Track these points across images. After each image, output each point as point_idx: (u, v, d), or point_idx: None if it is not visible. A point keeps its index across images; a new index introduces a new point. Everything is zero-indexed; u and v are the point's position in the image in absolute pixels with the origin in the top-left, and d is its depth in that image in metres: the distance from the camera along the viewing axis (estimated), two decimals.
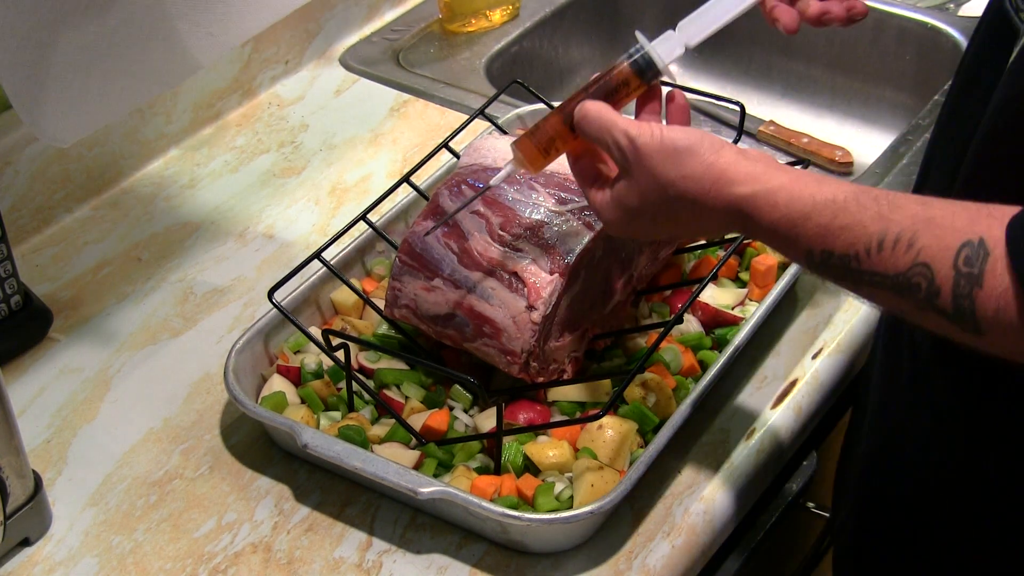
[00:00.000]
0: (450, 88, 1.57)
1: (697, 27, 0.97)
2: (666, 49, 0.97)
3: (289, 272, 1.14)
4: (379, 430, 1.06)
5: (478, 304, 1.05)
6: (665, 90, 1.00)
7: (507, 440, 1.02)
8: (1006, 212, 0.75)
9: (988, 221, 0.74)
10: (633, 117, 0.96)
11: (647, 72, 0.97)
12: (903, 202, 0.78)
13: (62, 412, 1.14)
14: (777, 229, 0.83)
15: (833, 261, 0.80)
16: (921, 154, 1.43)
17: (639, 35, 0.98)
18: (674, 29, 0.97)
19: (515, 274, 1.04)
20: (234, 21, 1.28)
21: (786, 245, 0.84)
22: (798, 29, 1.02)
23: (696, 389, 1.05)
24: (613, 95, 0.96)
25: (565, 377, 1.09)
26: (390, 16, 1.71)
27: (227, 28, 1.27)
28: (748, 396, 1.13)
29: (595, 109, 0.93)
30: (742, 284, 1.20)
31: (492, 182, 1.02)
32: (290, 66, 1.58)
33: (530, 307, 1.03)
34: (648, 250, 1.15)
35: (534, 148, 0.97)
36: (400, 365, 1.11)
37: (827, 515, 1.25)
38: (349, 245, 1.20)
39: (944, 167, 0.94)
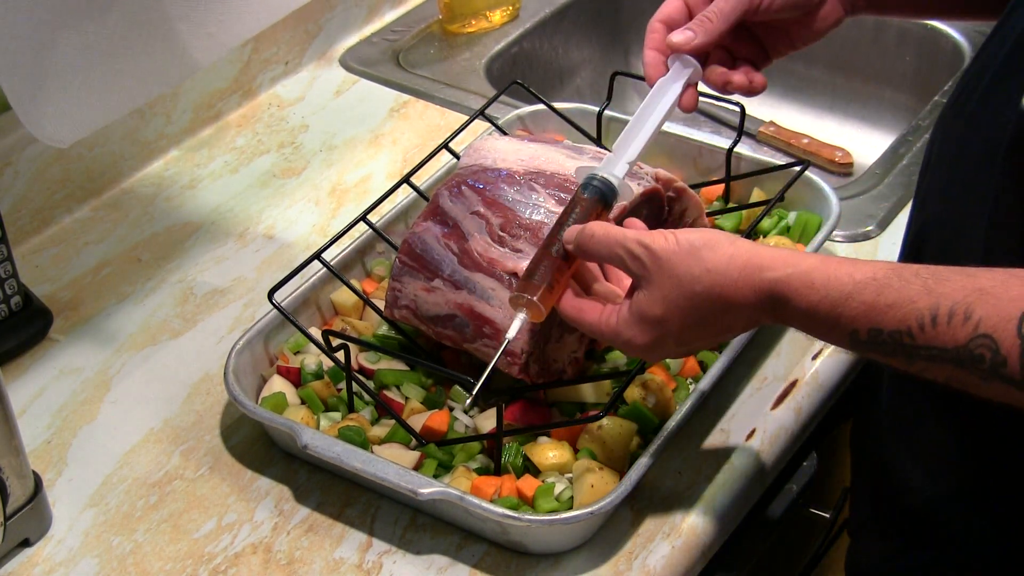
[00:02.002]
0: (450, 89, 1.57)
1: (631, 149, 1.01)
2: (615, 171, 0.99)
3: (289, 273, 1.14)
4: (379, 431, 1.06)
5: (478, 305, 1.05)
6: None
7: (507, 441, 1.02)
8: None
9: None
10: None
11: (608, 196, 0.98)
12: (947, 274, 0.78)
13: (62, 412, 1.14)
14: (817, 311, 0.82)
15: (883, 339, 0.79)
16: (921, 155, 1.43)
17: (579, 170, 1.00)
18: (613, 152, 1.01)
19: (515, 275, 1.04)
20: (234, 21, 1.28)
21: (827, 327, 0.82)
22: (693, 109, 1.07)
23: (696, 390, 1.05)
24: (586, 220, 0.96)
25: (565, 378, 1.09)
26: (390, 17, 1.71)
27: (227, 28, 1.27)
28: (748, 396, 1.13)
29: (600, 228, 0.92)
30: None
31: (508, 335, 0.97)
32: (290, 67, 1.58)
33: None
34: None
35: (543, 288, 0.94)
36: (400, 366, 1.11)
37: (827, 515, 1.25)
38: (349, 246, 1.20)
39: (958, 201, 0.93)
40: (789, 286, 0.83)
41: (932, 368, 0.78)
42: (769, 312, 0.85)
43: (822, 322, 0.82)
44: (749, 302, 0.85)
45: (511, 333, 0.96)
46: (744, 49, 1.08)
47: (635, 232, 0.90)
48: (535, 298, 0.93)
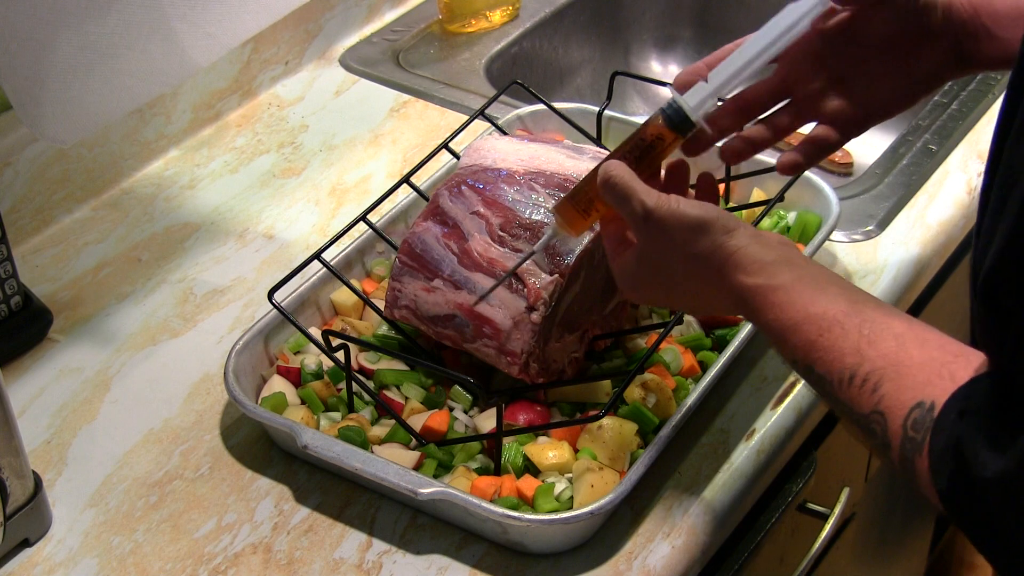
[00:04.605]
0: (450, 89, 1.57)
1: (724, 76, 0.95)
2: (698, 101, 0.96)
3: (289, 273, 1.14)
4: (379, 431, 1.06)
5: (478, 305, 1.05)
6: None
7: (507, 441, 1.02)
8: (970, 368, 0.74)
9: (944, 384, 0.74)
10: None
11: (680, 125, 0.96)
12: (883, 337, 0.78)
13: (62, 412, 1.14)
14: (771, 329, 0.84)
15: (812, 378, 0.82)
16: (921, 155, 1.44)
17: (671, 90, 0.98)
18: (707, 80, 0.96)
19: (515, 275, 1.04)
20: (233, 21, 1.28)
21: (777, 345, 0.85)
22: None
23: (696, 390, 1.05)
24: (649, 152, 0.96)
25: (565, 378, 1.09)
26: (390, 17, 1.71)
27: (226, 28, 1.27)
28: (748, 396, 1.13)
29: (618, 175, 0.92)
30: None
31: (535, 248, 1.01)
32: (290, 66, 1.58)
33: (530, 308, 1.03)
34: None
35: (574, 210, 0.97)
36: (400, 366, 1.11)
37: (827, 515, 1.25)
38: (349, 246, 1.20)
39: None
40: (754, 298, 0.85)
41: (845, 423, 0.80)
42: (741, 309, 0.87)
43: (774, 339, 0.85)
44: (722, 294, 0.88)
45: (537, 247, 1.01)
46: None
47: (645, 191, 0.90)
48: (555, 208, 0.98)
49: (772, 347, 0.87)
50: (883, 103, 1.01)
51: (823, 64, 0.99)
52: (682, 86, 0.98)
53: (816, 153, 1.02)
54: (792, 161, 1.02)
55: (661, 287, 0.92)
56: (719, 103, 0.99)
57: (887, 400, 0.76)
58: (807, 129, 1.03)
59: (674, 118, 0.96)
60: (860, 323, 0.80)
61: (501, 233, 1.06)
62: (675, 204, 0.89)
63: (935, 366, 0.75)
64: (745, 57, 0.95)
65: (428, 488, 0.97)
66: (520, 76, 1.45)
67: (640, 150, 0.96)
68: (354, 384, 1.08)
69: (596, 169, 0.95)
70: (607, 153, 1.12)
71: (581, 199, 0.97)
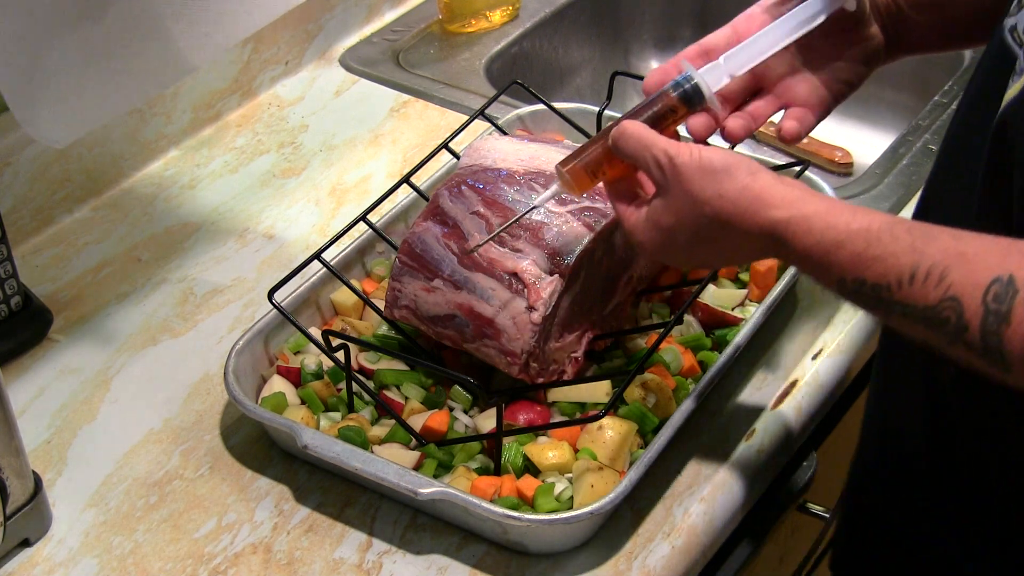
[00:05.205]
0: (450, 89, 1.57)
1: (742, 59, 0.99)
2: (713, 78, 0.98)
3: (289, 273, 1.14)
4: (379, 431, 1.06)
5: (478, 305, 1.05)
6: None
7: (507, 441, 1.02)
8: None
9: (1019, 258, 0.74)
10: None
11: (693, 100, 0.98)
12: (936, 234, 0.79)
13: (62, 412, 1.14)
14: (811, 255, 0.84)
15: (865, 290, 0.81)
16: (921, 155, 1.44)
17: (686, 63, 0.99)
18: (721, 60, 0.99)
19: (515, 275, 1.04)
20: (230, 21, 1.28)
21: (819, 271, 0.84)
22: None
23: (696, 390, 1.05)
24: (659, 122, 0.97)
25: (565, 378, 1.09)
26: (390, 17, 1.71)
27: (223, 28, 1.27)
28: (748, 396, 1.13)
29: (633, 128, 0.94)
30: (742, 285, 1.20)
31: (536, 202, 1.03)
32: (290, 66, 1.58)
33: (530, 308, 1.03)
34: None
35: (581, 171, 0.98)
36: (400, 366, 1.11)
37: (827, 515, 1.25)
38: (349, 246, 1.20)
39: (952, 199, 0.94)
40: (788, 228, 0.85)
41: (906, 324, 0.80)
42: (771, 248, 0.87)
43: (814, 265, 0.84)
44: (752, 235, 0.87)
45: (538, 200, 1.02)
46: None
47: (664, 140, 0.92)
48: (565, 169, 0.98)
49: (811, 276, 0.87)
50: (837, 83, 1.05)
51: (783, 52, 1.02)
52: (653, 86, 1.01)
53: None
54: (793, 129, 1.04)
55: (681, 238, 0.92)
56: (734, 77, 1.01)
57: (958, 285, 0.76)
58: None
59: (690, 92, 0.97)
60: (908, 228, 0.80)
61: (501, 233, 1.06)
62: (696, 151, 0.90)
63: (1000, 248, 0.76)
64: (764, 42, 0.99)
65: (428, 488, 0.97)
66: (520, 76, 1.45)
67: (652, 119, 0.97)
68: (354, 384, 1.08)
69: (604, 131, 0.97)
70: None
71: (589, 161, 0.98)
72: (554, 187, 1.01)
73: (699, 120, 1.00)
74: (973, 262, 0.76)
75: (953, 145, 0.96)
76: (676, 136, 0.99)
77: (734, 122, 1.03)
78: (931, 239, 0.78)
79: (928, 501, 1.01)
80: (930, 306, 0.77)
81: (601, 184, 1.04)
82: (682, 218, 0.90)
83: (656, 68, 1.03)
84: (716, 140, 1.01)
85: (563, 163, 0.99)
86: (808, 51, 1.03)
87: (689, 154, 0.89)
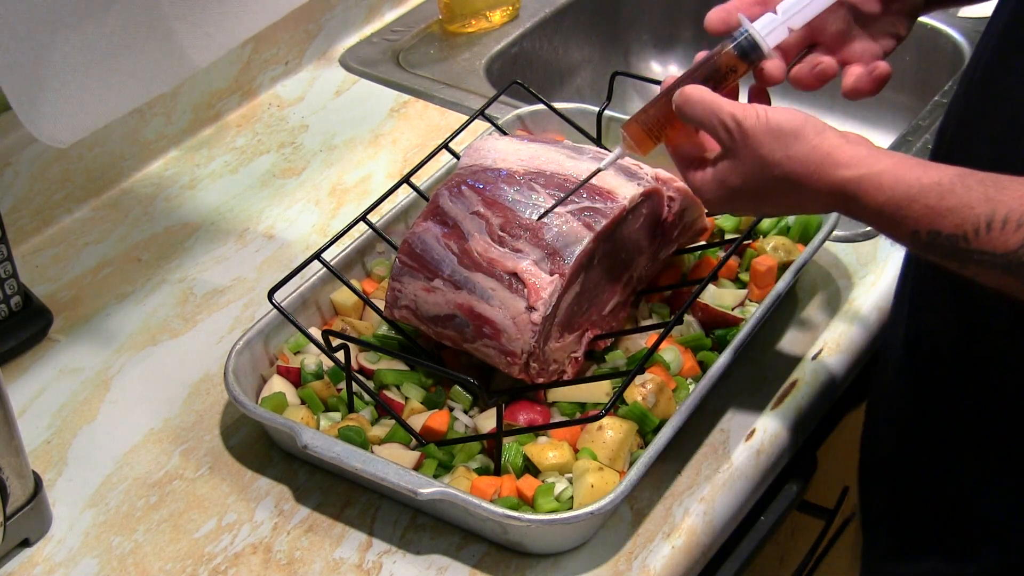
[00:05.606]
0: (450, 89, 1.57)
1: (798, 10, 0.98)
2: (770, 32, 0.98)
3: (289, 273, 1.14)
4: (379, 431, 1.06)
5: (478, 305, 1.05)
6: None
7: (507, 441, 1.02)
8: None
9: None
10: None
11: (751, 55, 0.98)
12: (1008, 183, 0.80)
13: (62, 412, 1.14)
14: (883, 211, 0.85)
15: (940, 241, 0.82)
16: (921, 155, 1.43)
17: (742, 18, 0.99)
18: (775, 12, 0.99)
19: (515, 275, 1.04)
20: (232, 21, 1.28)
21: (891, 226, 0.86)
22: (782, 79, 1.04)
23: (696, 390, 1.05)
24: (721, 80, 0.98)
25: (565, 378, 1.09)
26: (390, 17, 1.71)
27: (225, 28, 1.27)
28: (748, 396, 1.13)
29: (698, 93, 0.95)
30: (742, 285, 1.20)
31: (602, 166, 1.05)
32: (290, 67, 1.58)
33: (530, 308, 1.03)
34: (648, 251, 1.15)
35: (643, 132, 1.00)
36: (400, 366, 1.11)
37: (826, 516, 1.25)
38: (349, 246, 1.20)
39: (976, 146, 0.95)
40: (860, 187, 0.86)
41: (983, 272, 0.81)
42: (841, 206, 0.89)
43: (887, 221, 0.86)
44: (822, 194, 0.89)
45: (604, 164, 1.05)
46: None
47: (730, 104, 0.93)
48: (627, 132, 1.00)
49: (883, 232, 0.88)
50: (887, 37, 1.06)
51: (836, 6, 1.02)
52: (717, 23, 1.01)
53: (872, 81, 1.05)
54: (853, 86, 1.04)
55: (748, 195, 0.93)
56: (792, 31, 1.01)
57: None
58: None
59: (746, 47, 0.98)
60: (980, 179, 0.81)
61: (501, 233, 1.06)
62: (763, 113, 0.91)
63: None
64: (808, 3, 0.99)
65: (428, 488, 0.97)
66: (520, 76, 1.45)
67: (714, 81, 0.98)
68: (354, 384, 1.08)
69: (666, 92, 0.98)
70: (608, 153, 1.12)
71: (651, 122, 0.99)
72: (618, 150, 1.03)
73: (772, 64, 1.00)
74: None
75: (964, 124, 0.97)
76: (737, 91, 1.01)
77: (801, 69, 1.03)
78: (1004, 188, 0.80)
79: (949, 413, 1.02)
80: (1010, 251, 0.79)
81: (601, 182, 1.04)
82: (750, 178, 0.92)
83: (717, 7, 1.03)
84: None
85: (626, 125, 1.00)
86: (859, 5, 1.03)
87: (756, 117, 0.91)
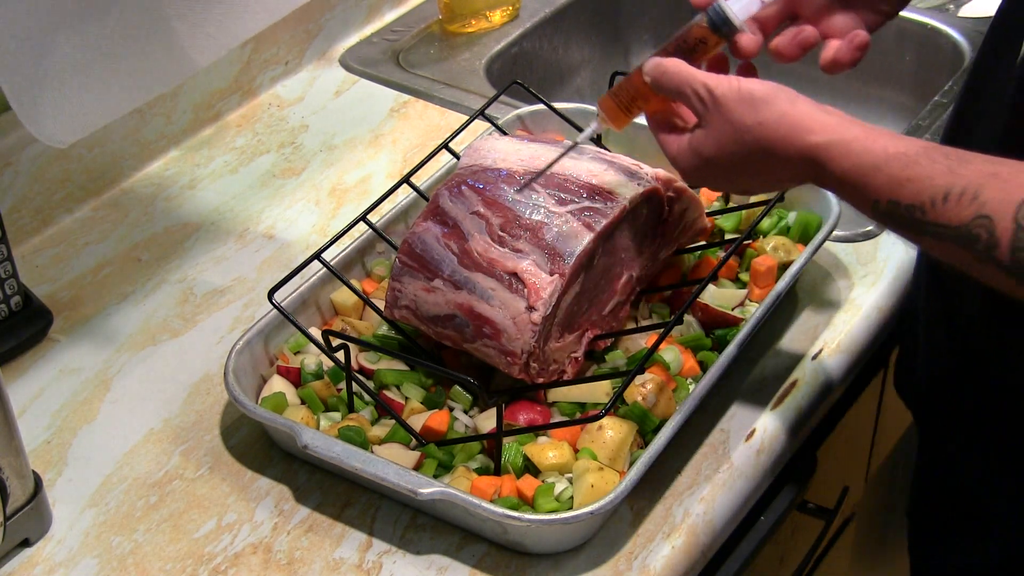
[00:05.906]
0: (450, 89, 1.57)
1: None
2: (741, 5, 0.99)
3: (289, 273, 1.14)
4: (379, 431, 1.06)
5: (478, 305, 1.05)
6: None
7: (507, 441, 1.02)
8: None
9: None
10: None
11: (723, 28, 0.99)
12: (971, 158, 0.81)
13: (62, 412, 1.14)
14: (847, 178, 0.86)
15: (899, 211, 0.83)
16: None
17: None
18: None
19: (515, 275, 1.04)
20: (232, 21, 1.28)
21: (854, 194, 0.87)
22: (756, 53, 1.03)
23: (696, 390, 1.05)
24: (691, 53, 0.99)
25: (565, 378, 1.09)
26: (390, 17, 1.71)
27: (225, 28, 1.27)
28: (748, 396, 1.13)
29: (672, 64, 0.96)
30: (742, 284, 1.20)
31: (579, 139, 1.06)
32: (290, 67, 1.58)
33: (530, 308, 1.03)
34: (648, 251, 1.15)
35: (616, 106, 1.01)
36: (400, 366, 1.11)
37: (826, 516, 1.25)
38: (349, 246, 1.20)
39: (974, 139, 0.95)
40: (828, 152, 0.87)
41: (937, 245, 0.82)
42: (811, 173, 0.89)
43: (850, 189, 0.87)
44: (792, 160, 0.89)
45: (580, 138, 1.06)
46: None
47: (703, 74, 0.94)
48: (599, 105, 1.02)
49: (846, 200, 0.89)
50: (874, 13, 1.05)
51: None
52: None
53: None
54: (833, 58, 1.04)
55: (723, 165, 0.94)
56: (766, 3, 1.01)
57: (991, 204, 0.78)
58: None
59: (717, 21, 0.98)
60: (946, 153, 0.82)
61: (501, 233, 1.06)
62: (736, 82, 0.92)
63: None
64: None
65: (428, 488, 0.97)
66: (520, 76, 1.45)
67: (682, 51, 0.98)
68: (354, 384, 1.08)
69: (639, 67, 0.98)
70: (607, 153, 1.12)
71: (623, 96, 1.00)
72: (593, 125, 1.04)
73: (745, 37, 1.00)
74: (1007, 181, 0.78)
75: (974, 87, 0.98)
76: (724, 63, 1.01)
77: (781, 40, 1.04)
78: (966, 162, 0.81)
79: (985, 387, 1.03)
80: (963, 224, 0.79)
81: (601, 182, 1.04)
82: (723, 146, 0.92)
83: None
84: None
85: (600, 100, 1.01)
86: None
87: (728, 85, 0.91)
